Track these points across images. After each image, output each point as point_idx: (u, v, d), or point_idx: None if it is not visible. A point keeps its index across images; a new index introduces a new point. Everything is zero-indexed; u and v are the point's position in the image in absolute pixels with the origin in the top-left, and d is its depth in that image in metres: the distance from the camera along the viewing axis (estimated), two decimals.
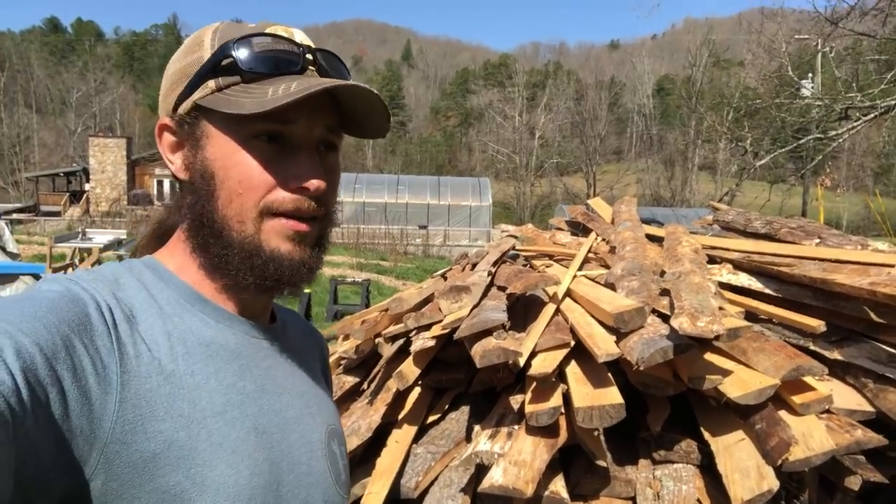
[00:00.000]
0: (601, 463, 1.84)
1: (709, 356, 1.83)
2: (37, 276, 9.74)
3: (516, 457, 1.75)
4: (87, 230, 11.55)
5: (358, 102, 0.74)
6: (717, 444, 1.71)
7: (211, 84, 0.72)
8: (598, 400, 1.69)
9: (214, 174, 0.72)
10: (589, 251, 3.29)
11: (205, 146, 0.73)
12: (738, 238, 3.25)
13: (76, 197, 37.37)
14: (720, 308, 1.95)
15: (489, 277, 2.64)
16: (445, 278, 3.24)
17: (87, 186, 36.45)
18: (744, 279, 2.35)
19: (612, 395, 1.69)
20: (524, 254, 3.41)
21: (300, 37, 0.76)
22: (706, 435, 1.78)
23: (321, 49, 0.77)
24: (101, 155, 34.76)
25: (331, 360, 2.75)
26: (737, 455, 1.61)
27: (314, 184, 0.72)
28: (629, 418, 1.91)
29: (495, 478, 1.62)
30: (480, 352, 1.79)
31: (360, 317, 2.86)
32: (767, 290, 2.22)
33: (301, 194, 0.72)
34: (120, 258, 9.36)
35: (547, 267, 3.08)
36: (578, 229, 4.03)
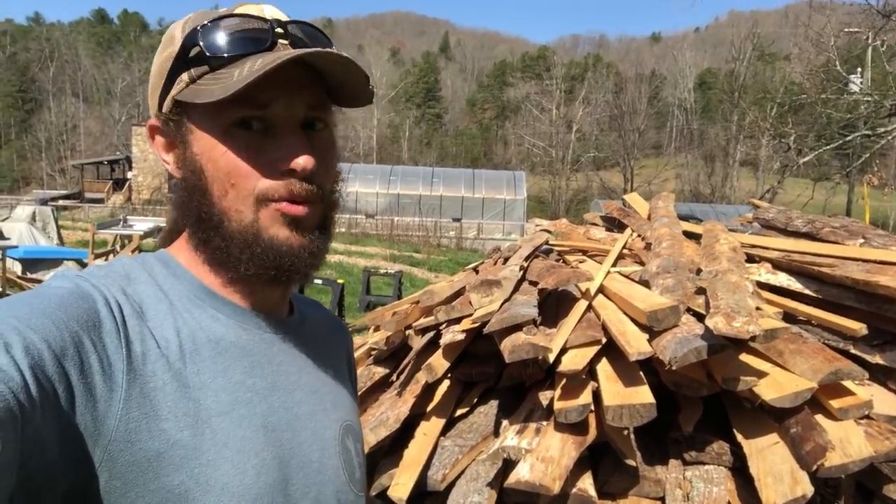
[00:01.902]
0: (630, 462, 1.81)
1: (744, 357, 1.79)
2: (80, 262, 10.02)
3: (544, 453, 1.74)
4: (128, 217, 11.84)
5: (338, 72, 0.71)
6: (751, 446, 1.67)
7: (184, 77, 0.70)
8: (629, 398, 1.67)
9: (203, 169, 0.71)
10: (624, 247, 3.25)
11: (190, 142, 0.71)
12: (779, 237, 3.17)
13: (119, 185, 38.30)
14: (757, 308, 1.91)
15: (521, 272, 2.62)
16: (477, 272, 3.23)
17: (129, 175, 37.31)
18: (783, 279, 2.29)
19: (644, 394, 1.67)
20: (557, 249, 3.38)
21: (270, 11, 0.73)
22: (739, 437, 1.74)
23: (295, 21, 0.73)
24: (144, 144, 35.43)
25: (361, 350, 2.77)
26: (770, 458, 1.57)
27: (300, 163, 0.69)
28: (660, 417, 1.88)
29: (522, 473, 1.62)
30: (510, 347, 1.78)
31: (392, 308, 2.87)
32: (807, 291, 2.16)
33: (290, 177, 0.70)
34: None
35: (580, 262, 3.05)
36: (614, 225, 3.98)
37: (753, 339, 1.53)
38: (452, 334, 2.13)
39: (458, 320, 2.28)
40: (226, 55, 0.68)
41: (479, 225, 23.70)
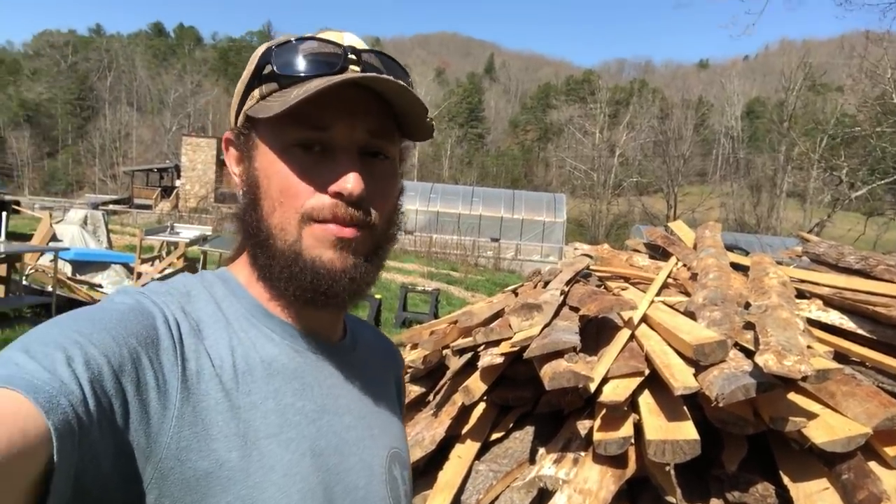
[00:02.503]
0: (670, 499, 1.76)
1: (793, 396, 1.73)
2: (127, 266, 10.28)
3: (582, 485, 1.70)
4: (175, 224, 12.09)
5: (400, 100, 0.71)
6: (798, 490, 1.61)
7: (256, 93, 0.71)
8: (672, 434, 1.63)
9: (259, 184, 0.71)
10: (668, 276, 3.19)
11: (254, 157, 0.72)
12: (830, 272, 3.07)
13: (167, 192, 39.31)
14: (808, 346, 1.84)
15: (561, 297, 2.59)
16: (516, 294, 3.21)
17: (177, 182, 38.28)
18: (835, 317, 2.21)
19: (687, 430, 1.62)
20: (598, 274, 3.34)
21: (349, 39, 0.73)
22: (786, 480, 1.68)
23: (372, 50, 0.73)
24: (193, 153, 36.42)
25: None
26: None
27: (347, 187, 0.68)
28: (702, 454, 1.82)
29: None
30: (550, 374, 1.75)
31: (430, 327, 2.86)
32: (861, 331, 2.09)
33: (338, 199, 0.69)
34: (203, 253, 9.75)
35: (622, 290, 3.00)
36: (657, 252, 3.91)
37: (805, 378, 1.47)
38: (491, 357, 2.11)
39: (496, 343, 2.27)
40: (294, 74, 0.69)
41: (518, 246, 23.59)
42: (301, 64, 0.69)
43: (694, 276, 2.91)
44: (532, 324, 2.19)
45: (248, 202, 0.73)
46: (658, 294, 2.81)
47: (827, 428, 1.57)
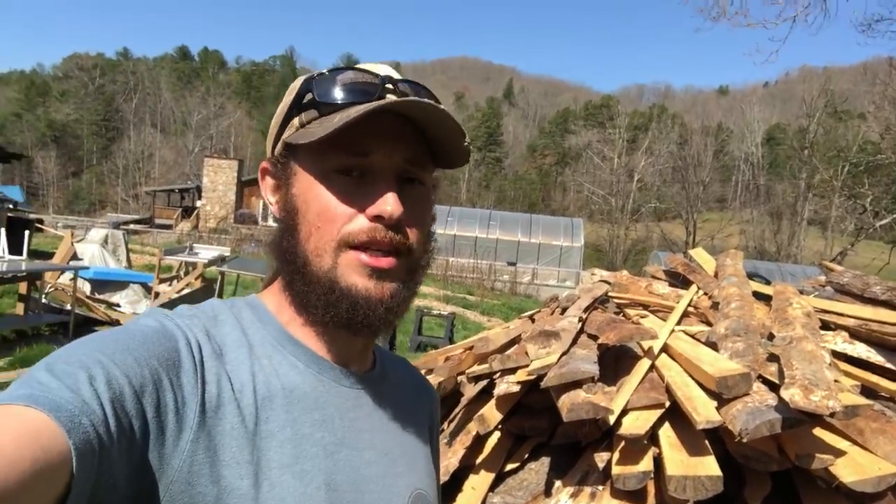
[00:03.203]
0: None
1: (819, 432, 1.67)
2: (145, 286, 10.35)
3: None
4: (194, 245, 12.18)
5: (436, 126, 0.72)
6: None
7: (295, 122, 0.72)
8: (694, 470, 1.57)
9: (297, 209, 0.71)
10: (689, 305, 3.13)
11: (292, 183, 0.73)
12: (855, 303, 3.00)
13: (188, 212, 39.76)
14: (835, 381, 1.79)
15: (580, 324, 2.55)
16: (533, 320, 3.16)
17: (198, 203, 38.72)
18: (861, 350, 2.15)
19: (709, 466, 1.57)
20: (617, 301, 3.29)
21: (385, 70, 0.75)
22: None
23: (407, 80, 0.75)
24: (214, 174, 36.85)
25: None
26: None
27: (387, 210, 0.68)
28: (724, 491, 1.76)
29: None
30: (568, 405, 1.71)
31: (445, 353, 2.83)
32: (889, 365, 2.02)
33: (377, 222, 0.69)
34: (221, 274, 9.80)
35: (641, 318, 2.95)
36: (677, 280, 3.86)
37: (833, 415, 1.42)
38: (507, 385, 2.07)
39: (512, 370, 2.23)
40: (334, 101, 0.70)
41: (534, 270, 23.49)
42: (341, 92, 0.71)
43: (715, 305, 2.85)
44: (549, 352, 2.15)
45: (284, 228, 0.73)
46: (679, 323, 2.75)
47: (856, 466, 1.51)
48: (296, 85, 0.74)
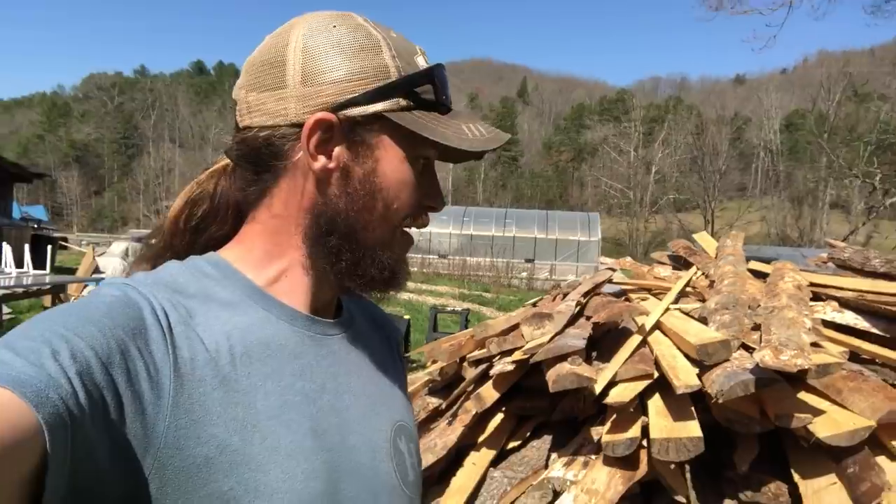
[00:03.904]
0: (680, 499, 1.77)
1: (802, 395, 1.73)
2: None
3: (589, 485, 1.73)
4: None
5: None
6: (807, 487, 1.61)
7: (402, 101, 0.72)
8: (676, 432, 1.64)
9: (379, 185, 0.73)
10: (687, 285, 3.19)
11: (379, 157, 0.73)
12: (855, 277, 3.03)
13: None
14: (815, 344, 1.84)
15: (577, 307, 2.62)
16: (536, 307, 3.24)
17: None
18: (849, 318, 2.20)
19: (691, 429, 1.64)
20: (624, 287, 3.36)
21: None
22: (796, 477, 1.68)
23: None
24: None
25: (419, 383, 2.82)
26: (826, 499, 1.51)
27: (442, 204, 0.78)
28: (715, 456, 1.83)
29: None
30: (554, 377, 1.79)
31: (448, 340, 2.91)
32: (874, 330, 2.07)
33: (429, 211, 0.78)
34: None
35: (642, 300, 3.01)
36: (679, 263, 3.91)
37: (805, 373, 1.49)
38: (502, 365, 2.15)
39: (510, 353, 2.30)
40: (448, 105, 0.76)
41: (552, 266, 23.45)
42: (446, 97, 0.76)
43: (712, 284, 2.91)
44: (543, 332, 2.23)
45: (352, 197, 0.73)
46: (676, 302, 2.81)
47: (832, 423, 1.58)
48: (381, 47, 0.73)
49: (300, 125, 0.71)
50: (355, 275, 0.74)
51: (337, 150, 0.72)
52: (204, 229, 0.82)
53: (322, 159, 0.72)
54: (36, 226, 19.73)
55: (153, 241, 0.84)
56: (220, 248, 0.78)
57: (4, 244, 9.50)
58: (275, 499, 0.64)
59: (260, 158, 0.74)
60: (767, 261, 3.67)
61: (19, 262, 9.55)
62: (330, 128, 0.71)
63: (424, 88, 0.73)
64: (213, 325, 0.67)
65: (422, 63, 0.75)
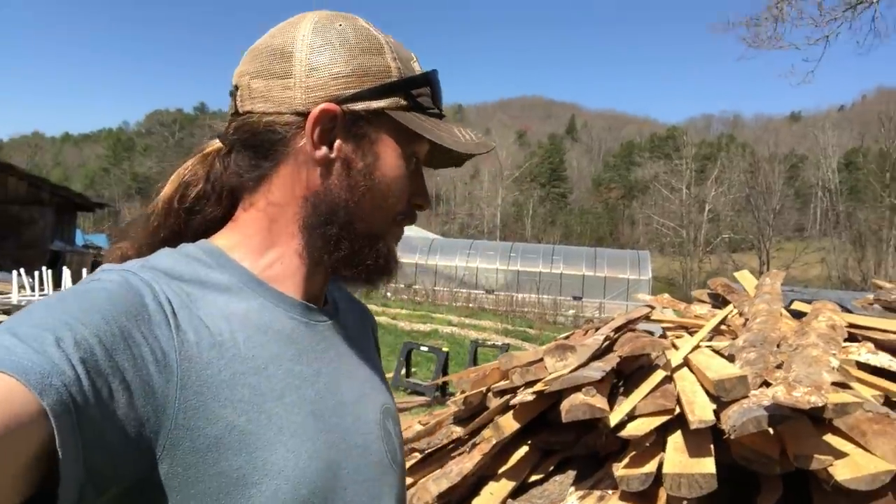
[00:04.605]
0: None
1: (826, 437, 1.69)
2: None
3: None
4: None
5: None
6: None
7: (402, 101, 0.76)
8: (689, 468, 1.62)
9: (379, 179, 0.76)
10: (722, 322, 3.14)
11: (379, 152, 0.76)
12: None
13: None
14: (842, 385, 1.80)
15: (606, 342, 2.61)
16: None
17: None
18: (884, 359, 2.14)
19: (705, 465, 1.62)
20: (660, 323, 3.32)
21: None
22: None
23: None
24: None
25: (446, 413, 2.84)
26: None
27: (428, 203, 0.83)
28: (741, 497, 1.80)
29: None
30: (567, 406, 1.80)
31: (475, 371, 2.93)
32: None
33: (417, 210, 0.82)
34: None
35: (677, 338, 2.98)
36: (718, 301, 3.85)
37: (820, 410, 1.46)
38: (522, 395, 2.16)
39: (532, 384, 2.31)
40: (440, 111, 0.81)
41: (601, 304, 23.14)
42: (439, 102, 0.82)
43: (746, 322, 2.86)
44: (566, 364, 2.24)
45: (353, 188, 0.75)
46: (711, 339, 2.77)
47: (853, 466, 1.54)
48: (383, 48, 0.77)
49: (304, 114, 0.73)
50: (353, 264, 0.77)
51: (338, 141, 0.74)
52: (198, 211, 0.82)
53: (324, 149, 0.74)
54: (96, 252, 20.63)
55: (146, 222, 0.84)
56: (214, 234, 0.80)
57: (65, 268, 9.96)
58: (281, 477, 0.66)
59: (260, 144, 0.76)
60: (811, 302, 3.58)
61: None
62: (333, 119, 0.73)
63: (422, 91, 0.78)
64: (213, 310, 0.69)
65: (418, 68, 0.80)
